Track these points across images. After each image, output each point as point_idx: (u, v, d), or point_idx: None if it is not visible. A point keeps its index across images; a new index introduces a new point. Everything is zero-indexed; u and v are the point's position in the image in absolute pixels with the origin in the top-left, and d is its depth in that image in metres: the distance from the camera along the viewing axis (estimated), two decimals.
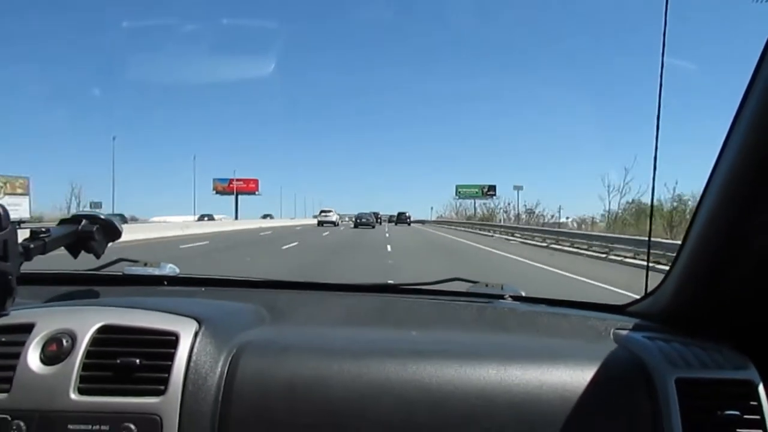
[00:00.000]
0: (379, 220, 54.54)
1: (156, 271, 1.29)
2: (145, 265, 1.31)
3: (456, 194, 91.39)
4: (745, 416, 0.76)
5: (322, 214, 41.38)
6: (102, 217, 1.08)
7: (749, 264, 0.77)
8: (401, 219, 53.71)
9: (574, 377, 0.82)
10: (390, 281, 1.26)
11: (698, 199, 0.78)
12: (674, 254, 0.88)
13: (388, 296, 1.22)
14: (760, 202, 0.70)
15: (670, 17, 0.86)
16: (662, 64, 0.91)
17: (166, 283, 1.23)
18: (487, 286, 1.29)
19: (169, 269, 1.31)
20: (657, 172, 1.07)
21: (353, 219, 43.04)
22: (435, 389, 0.81)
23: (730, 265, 0.79)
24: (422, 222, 62.80)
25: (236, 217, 73.22)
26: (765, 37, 0.63)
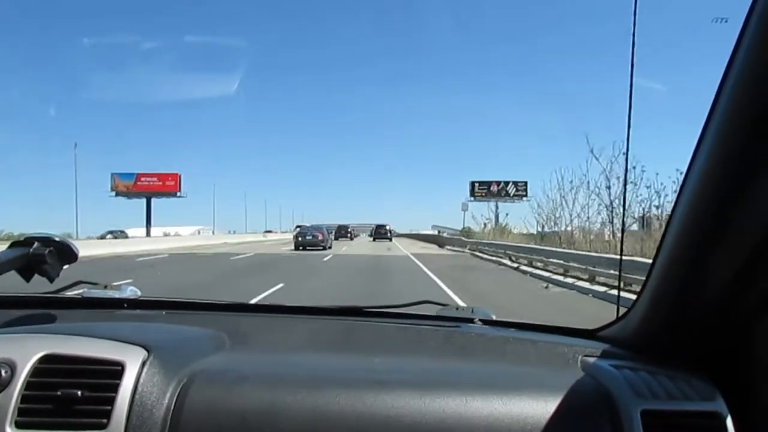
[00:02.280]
0: (349, 234, 50.30)
1: (116, 294, 1.33)
2: (105, 287, 1.37)
3: (470, 195, 71.43)
4: None
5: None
6: (56, 239, 1.12)
7: (717, 291, 0.82)
8: (380, 233, 47.87)
9: (538, 408, 0.84)
10: (357, 305, 1.36)
11: (665, 223, 0.84)
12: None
13: (354, 320, 1.28)
14: (729, 226, 0.74)
15: (639, 34, 0.96)
16: (631, 85, 1.01)
17: (126, 306, 1.27)
18: (457, 309, 1.34)
19: (130, 291, 1.36)
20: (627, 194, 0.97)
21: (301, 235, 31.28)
22: (393, 422, 0.82)
23: (699, 291, 0.83)
24: (414, 236, 58.04)
25: (148, 230, 57.46)
26: (731, 42, 0.68)
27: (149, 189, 57.51)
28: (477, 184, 66.61)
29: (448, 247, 32.18)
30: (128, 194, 58.09)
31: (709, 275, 0.81)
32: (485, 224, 46.13)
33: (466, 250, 26.39)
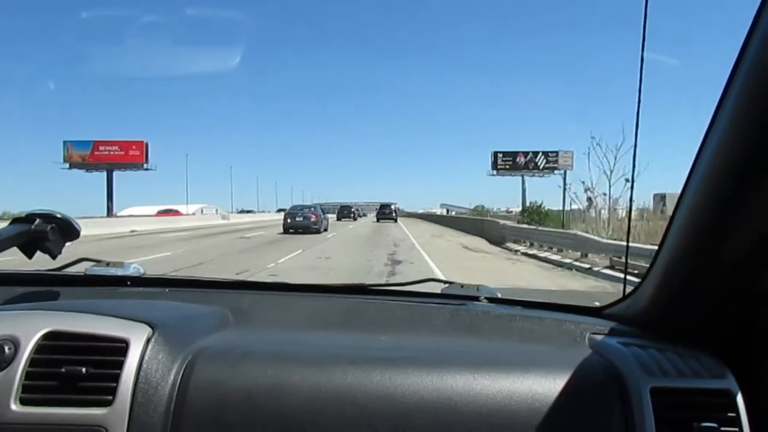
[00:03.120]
0: (352, 215, 48.11)
1: (119, 272, 1.36)
2: (108, 264, 1.40)
3: (493, 168, 62.68)
4: (722, 428, 0.80)
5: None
6: (58, 215, 1.14)
7: (728, 269, 0.83)
8: (384, 213, 44.48)
9: (546, 386, 0.85)
10: (363, 282, 1.39)
11: (676, 200, 0.86)
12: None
13: (359, 298, 1.30)
14: (740, 205, 0.75)
15: (651, 12, 0.97)
16: (641, 68, 1.01)
17: (129, 283, 1.32)
18: (462, 287, 1.35)
19: (133, 269, 1.39)
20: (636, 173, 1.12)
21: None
22: (400, 399, 0.83)
23: (709, 269, 0.84)
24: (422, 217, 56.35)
25: (109, 208, 50.64)
26: (744, 31, 0.69)
27: (109, 159, 46.76)
28: (501, 156, 55.98)
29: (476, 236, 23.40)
30: (85, 166, 47.26)
31: (720, 253, 0.82)
32: (532, 206, 35.84)
33: (512, 249, 16.70)
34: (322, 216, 24.94)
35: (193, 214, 47.31)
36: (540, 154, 57.18)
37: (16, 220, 1.12)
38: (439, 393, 0.84)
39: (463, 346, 1.01)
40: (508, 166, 58.18)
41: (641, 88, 1.00)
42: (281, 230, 23.15)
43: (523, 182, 60.09)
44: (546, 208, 46.52)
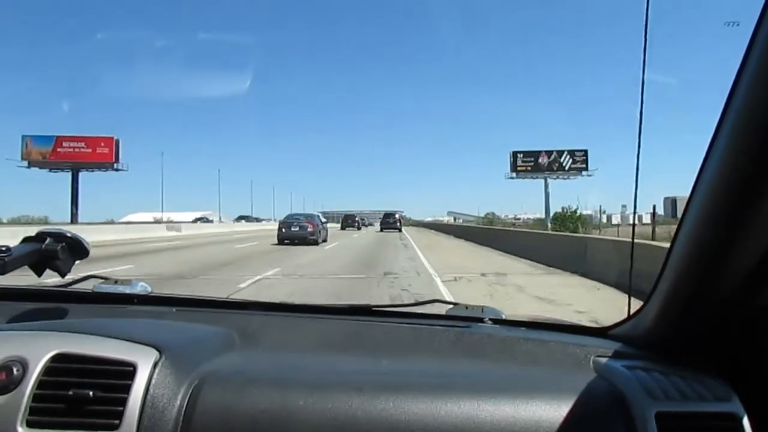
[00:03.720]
0: (356, 224, 46.83)
1: (126, 289, 1.41)
2: (116, 282, 1.44)
3: (512, 170, 56.72)
4: None
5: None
6: (68, 235, 1.19)
7: (733, 287, 0.83)
8: (387, 223, 42.70)
9: (550, 412, 0.85)
10: (368, 304, 1.43)
11: (680, 216, 0.88)
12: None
13: (364, 320, 1.34)
14: (745, 220, 0.75)
15: (651, 34, 0.98)
16: (643, 82, 1.02)
17: (136, 301, 1.36)
18: (467, 308, 1.37)
19: (141, 287, 1.43)
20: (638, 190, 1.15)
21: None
22: (404, 427, 0.84)
23: (713, 288, 0.85)
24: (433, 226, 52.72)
25: (73, 213, 45.54)
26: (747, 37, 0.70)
27: (74, 157, 39.88)
28: (521, 156, 49.03)
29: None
30: (46, 164, 40.35)
31: (725, 272, 0.82)
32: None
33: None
34: (320, 225, 22.70)
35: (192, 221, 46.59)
36: (565, 153, 50.84)
37: (26, 239, 1.17)
38: (443, 420, 0.85)
39: (467, 371, 1.02)
40: (529, 168, 52.04)
41: (643, 95, 1.02)
42: (275, 240, 21.43)
43: (546, 185, 53.36)
44: (581, 214, 40.24)
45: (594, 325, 1.28)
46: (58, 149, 45.53)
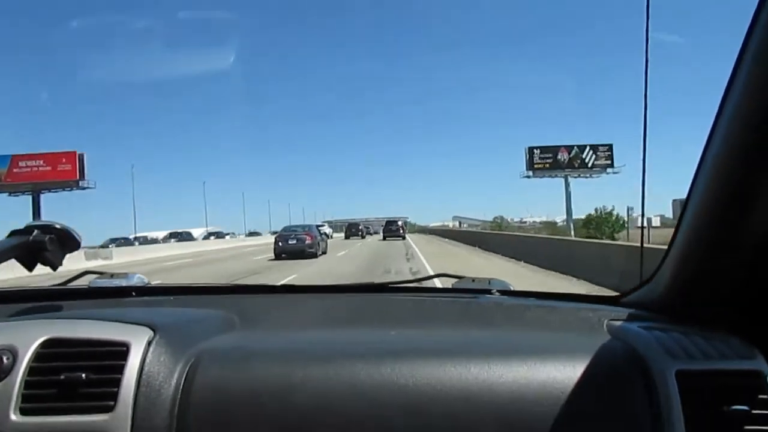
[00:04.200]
0: (360, 233, 47.19)
1: (123, 282, 1.42)
2: (112, 276, 1.45)
3: (528, 168, 51.97)
4: (754, 411, 0.79)
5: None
6: (57, 226, 1.16)
7: (748, 245, 0.83)
8: (390, 230, 41.57)
9: (564, 373, 0.84)
10: (373, 281, 1.47)
11: (692, 178, 0.89)
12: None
13: (369, 295, 1.37)
14: (759, 182, 0.77)
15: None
16: (646, 88, 1.02)
17: (134, 294, 1.36)
18: (473, 281, 1.38)
19: (137, 279, 1.44)
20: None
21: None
22: (411, 391, 0.84)
23: (727, 247, 0.85)
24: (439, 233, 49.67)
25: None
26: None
27: (33, 178, 34.21)
28: (537, 152, 42.95)
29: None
30: (3, 188, 34.70)
31: (740, 231, 0.83)
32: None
33: None
34: (319, 237, 22.13)
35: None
36: (588, 148, 45.22)
37: (13, 233, 1.14)
38: (453, 383, 0.84)
39: (476, 337, 1.01)
40: (547, 165, 46.44)
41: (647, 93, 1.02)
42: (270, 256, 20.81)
43: (567, 184, 47.46)
44: (618, 215, 34.96)
45: None
46: (14, 170, 40.96)
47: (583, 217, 39.83)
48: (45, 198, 43.30)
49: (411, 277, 1.69)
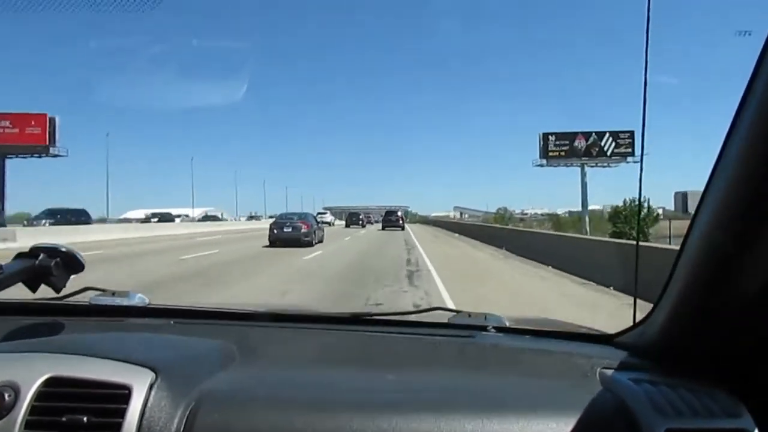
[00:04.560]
0: (361, 222, 48.68)
1: (124, 301, 1.43)
2: (113, 294, 1.46)
3: (542, 156, 47.53)
4: None
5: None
6: (63, 249, 1.20)
7: (745, 298, 0.83)
8: (389, 221, 41.10)
9: (557, 428, 0.85)
10: (370, 311, 1.52)
11: (690, 220, 0.88)
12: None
13: (366, 330, 1.37)
14: (759, 230, 0.75)
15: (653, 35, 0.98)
16: (645, 84, 1.01)
17: (133, 314, 1.39)
18: (469, 316, 1.38)
19: (138, 299, 1.45)
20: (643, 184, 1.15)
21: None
22: None
23: (725, 297, 0.84)
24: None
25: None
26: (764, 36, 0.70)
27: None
28: (552, 139, 39.41)
29: None
30: None
31: (739, 280, 0.82)
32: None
33: None
34: (315, 225, 21.37)
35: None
36: (607, 135, 41.76)
37: (19, 255, 1.18)
38: None
39: (472, 385, 1.03)
40: (563, 153, 42.71)
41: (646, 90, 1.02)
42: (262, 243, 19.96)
43: (584, 174, 44.15)
44: (651, 208, 31.82)
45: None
46: None
47: (598, 208, 36.88)
48: (11, 164, 39.82)
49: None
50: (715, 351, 0.92)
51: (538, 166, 45.58)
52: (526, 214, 75.95)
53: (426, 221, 69.84)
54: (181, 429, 0.85)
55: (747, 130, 0.71)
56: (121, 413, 0.84)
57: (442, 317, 1.37)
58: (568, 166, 44.93)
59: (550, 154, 44.39)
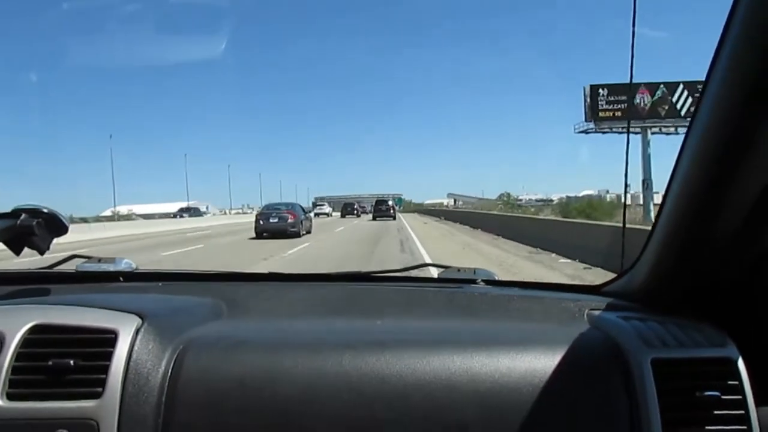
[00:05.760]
0: (356, 211, 51.54)
1: (111, 267, 1.45)
2: (100, 261, 1.49)
3: (588, 118, 36.81)
4: (725, 396, 0.88)
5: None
6: (45, 210, 1.20)
7: (724, 239, 0.91)
8: (380, 210, 40.85)
9: (545, 362, 0.92)
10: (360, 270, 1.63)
11: (671, 170, 0.98)
12: None
13: (356, 285, 1.44)
14: (730, 172, 0.83)
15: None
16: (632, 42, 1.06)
17: (122, 279, 1.43)
18: (459, 270, 1.43)
19: (125, 264, 1.48)
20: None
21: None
22: (396, 381, 0.89)
23: (703, 238, 0.93)
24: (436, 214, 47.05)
25: None
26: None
27: None
28: (605, 93, 25.71)
29: None
30: None
31: (716, 223, 0.91)
32: None
33: None
34: (303, 216, 22.23)
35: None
36: (681, 87, 29.70)
37: (1, 216, 1.21)
38: (436, 373, 0.91)
39: (460, 328, 1.10)
40: (618, 113, 30.63)
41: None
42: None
43: (647, 142, 32.42)
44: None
45: None
46: None
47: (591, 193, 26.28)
48: None
49: None
50: (699, 289, 0.99)
51: (582, 132, 35.51)
52: (521, 200, 68.18)
53: (421, 209, 69.39)
54: (169, 371, 0.88)
55: (719, 83, 0.75)
56: (108, 356, 0.87)
57: (432, 273, 1.52)
58: (621, 131, 34.16)
59: (601, 114, 33.83)
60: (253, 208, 62.29)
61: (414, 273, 1.43)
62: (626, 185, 1.33)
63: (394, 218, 37.66)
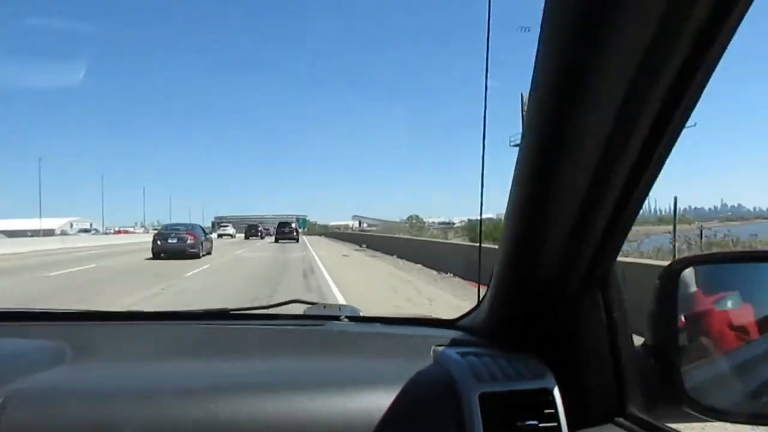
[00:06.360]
0: (260, 233, 54.59)
1: None
2: None
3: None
4: (542, 424, 0.95)
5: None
6: None
7: (547, 275, 1.01)
8: (283, 233, 42.65)
9: (386, 399, 0.96)
10: (226, 308, 1.59)
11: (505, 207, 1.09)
12: None
13: (217, 324, 1.42)
14: (547, 213, 0.91)
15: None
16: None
17: None
18: (324, 307, 1.52)
19: None
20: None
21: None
22: (234, 427, 0.90)
23: (532, 276, 1.04)
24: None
25: None
26: None
27: None
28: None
29: None
30: None
31: (539, 260, 1.02)
32: None
33: None
34: (203, 237, 22.61)
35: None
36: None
37: None
38: (283, 415, 0.92)
39: (313, 368, 1.12)
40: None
41: None
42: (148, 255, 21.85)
43: None
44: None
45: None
46: None
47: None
48: None
49: None
50: (530, 324, 1.07)
51: (516, 145, 31.00)
52: (424, 222, 65.64)
53: (327, 232, 68.07)
54: None
55: (527, 136, 0.83)
56: None
57: (299, 310, 1.45)
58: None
59: None
60: (134, 227, 54.43)
61: (281, 310, 1.44)
62: (482, 204, 1.33)
63: (297, 240, 38.61)
